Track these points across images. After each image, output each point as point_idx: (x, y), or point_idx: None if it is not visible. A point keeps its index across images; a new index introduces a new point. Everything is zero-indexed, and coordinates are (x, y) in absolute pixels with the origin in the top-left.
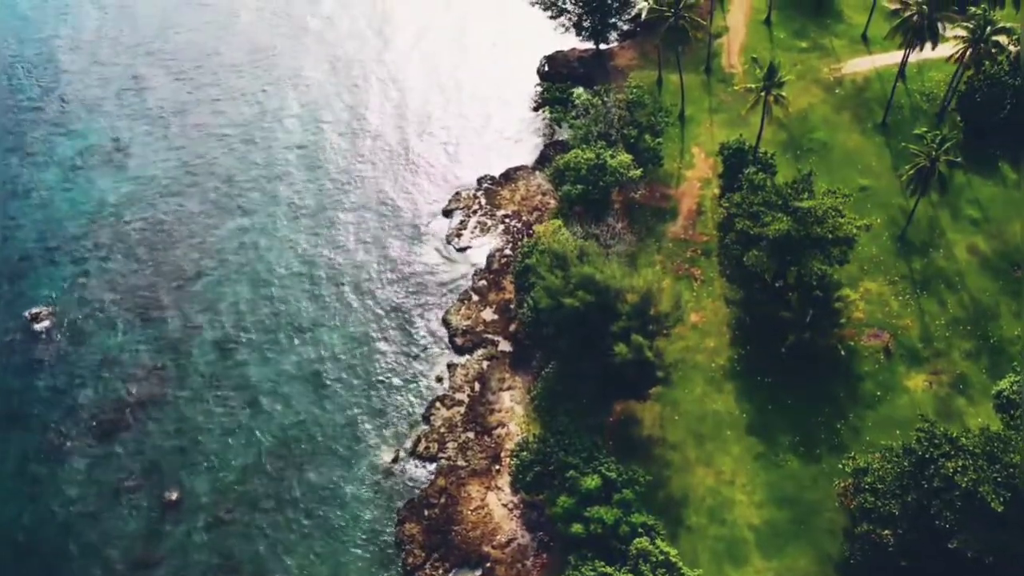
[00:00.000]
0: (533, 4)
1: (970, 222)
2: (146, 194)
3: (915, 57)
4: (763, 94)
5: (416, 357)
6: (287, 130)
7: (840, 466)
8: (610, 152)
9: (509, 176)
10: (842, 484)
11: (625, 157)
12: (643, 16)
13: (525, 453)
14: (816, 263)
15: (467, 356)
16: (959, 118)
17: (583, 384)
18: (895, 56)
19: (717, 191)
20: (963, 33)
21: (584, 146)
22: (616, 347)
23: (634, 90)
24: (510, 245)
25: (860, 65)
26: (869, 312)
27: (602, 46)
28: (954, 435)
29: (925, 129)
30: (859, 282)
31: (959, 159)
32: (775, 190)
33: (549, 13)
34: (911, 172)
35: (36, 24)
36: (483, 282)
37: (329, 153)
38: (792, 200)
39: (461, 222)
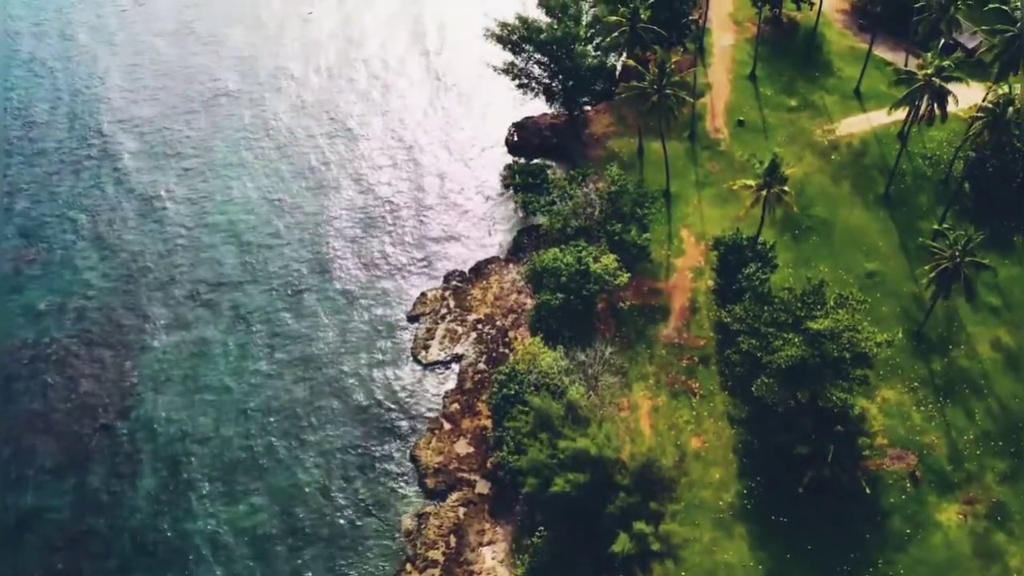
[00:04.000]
0: (499, 73)
1: (990, 311)
2: (70, 306)
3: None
4: (764, 192)
5: (382, 505)
6: (229, 226)
7: None
8: (592, 254)
9: (479, 271)
10: None
11: (610, 260)
12: (619, 74)
13: None
14: (835, 391)
15: (440, 502)
16: (967, 185)
17: (578, 567)
18: (892, 113)
19: (711, 283)
20: (980, 115)
21: (563, 246)
22: (616, 542)
23: (616, 179)
24: (484, 357)
25: (855, 125)
26: (890, 428)
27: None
28: None
29: (947, 226)
30: (876, 390)
31: (986, 261)
32: (783, 305)
33: (517, 82)
34: (932, 275)
35: None
36: (455, 405)
37: (275, 250)
38: (805, 320)
39: (428, 330)
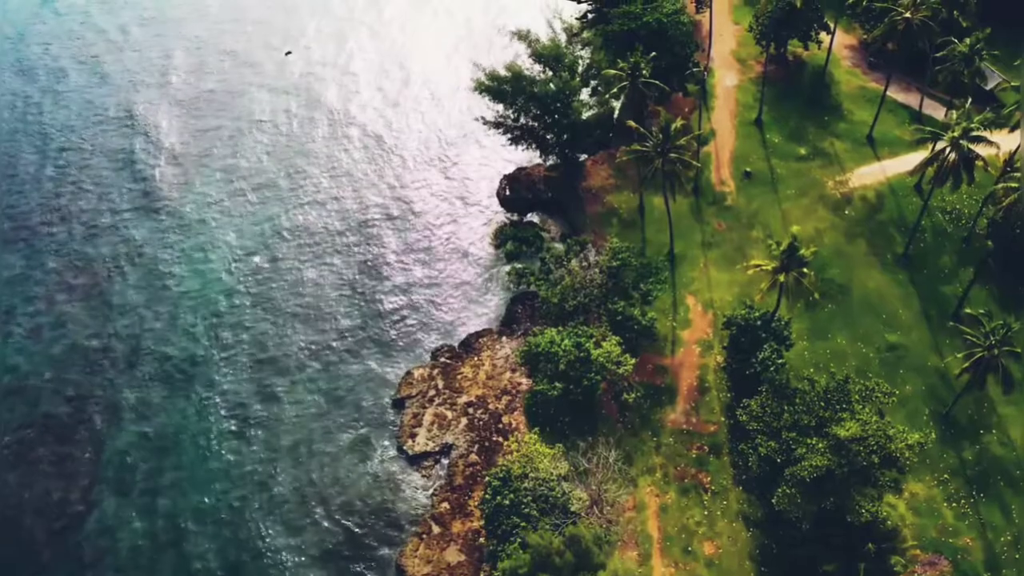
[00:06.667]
0: (488, 127)
1: (1022, 391)
2: (27, 390)
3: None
4: (781, 276)
5: None
6: (200, 295)
7: None
8: (593, 338)
9: (470, 345)
10: None
11: (613, 346)
12: (615, 118)
13: None
14: (864, 501)
15: None
16: (989, 243)
17: None
18: (907, 160)
19: (720, 359)
20: (1013, 184)
21: (561, 327)
22: None
23: (619, 255)
24: (476, 447)
25: (869, 175)
26: (920, 527)
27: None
28: None
29: (983, 311)
30: (903, 484)
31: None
32: (804, 406)
33: (508, 136)
34: (966, 364)
35: None
36: (445, 504)
37: (249, 324)
38: (829, 422)
39: (415, 416)
